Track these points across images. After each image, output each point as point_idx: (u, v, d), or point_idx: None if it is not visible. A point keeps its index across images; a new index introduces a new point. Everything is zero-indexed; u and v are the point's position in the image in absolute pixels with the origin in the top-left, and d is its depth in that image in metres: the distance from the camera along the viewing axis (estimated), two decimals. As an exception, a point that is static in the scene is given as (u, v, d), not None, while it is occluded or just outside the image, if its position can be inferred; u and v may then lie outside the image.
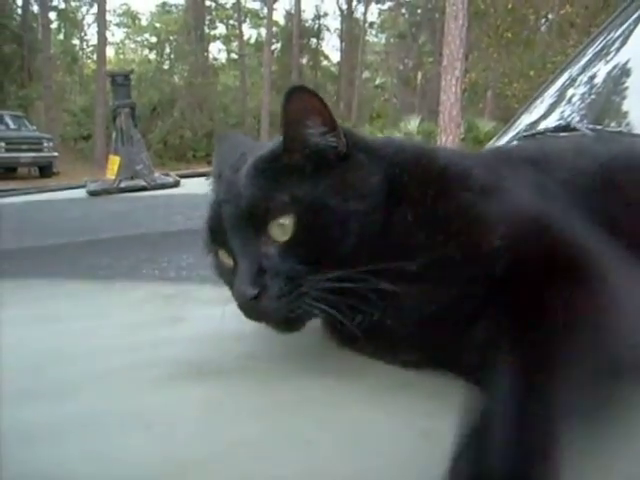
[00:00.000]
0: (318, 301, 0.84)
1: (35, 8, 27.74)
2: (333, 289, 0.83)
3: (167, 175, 3.10)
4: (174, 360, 0.98)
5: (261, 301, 0.84)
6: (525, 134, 2.50)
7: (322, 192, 0.85)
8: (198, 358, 0.98)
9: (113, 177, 2.95)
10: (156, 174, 3.05)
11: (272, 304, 0.84)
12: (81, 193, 2.85)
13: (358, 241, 0.85)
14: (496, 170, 0.97)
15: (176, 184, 2.89)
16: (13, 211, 2.37)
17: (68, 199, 2.78)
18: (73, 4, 31.52)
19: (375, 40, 38.26)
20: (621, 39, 2.72)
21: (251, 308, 0.86)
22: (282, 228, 0.85)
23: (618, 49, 2.70)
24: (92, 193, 2.79)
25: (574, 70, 2.83)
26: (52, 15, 29.96)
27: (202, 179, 3.16)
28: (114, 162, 3.01)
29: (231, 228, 0.88)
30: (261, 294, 0.84)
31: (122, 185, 2.86)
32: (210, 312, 1.23)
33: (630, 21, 2.71)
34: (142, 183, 2.87)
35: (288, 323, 0.89)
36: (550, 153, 1.10)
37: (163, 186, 2.86)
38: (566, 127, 2.27)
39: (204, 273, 1.46)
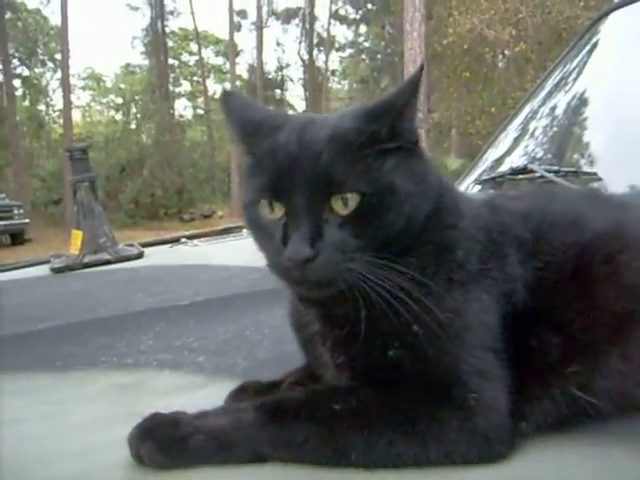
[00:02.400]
0: (357, 279, 0.89)
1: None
2: (372, 273, 0.88)
3: (131, 246, 3.07)
4: (128, 465, 0.95)
5: (312, 264, 0.87)
6: (486, 178, 2.53)
7: (391, 172, 0.91)
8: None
9: (77, 252, 2.91)
10: (120, 246, 3.03)
11: (322, 270, 0.88)
12: (45, 270, 2.82)
13: (405, 227, 0.92)
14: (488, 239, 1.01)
15: (140, 255, 2.87)
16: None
17: (32, 278, 2.74)
18: (37, 70, 31.60)
19: (338, 87, 38.80)
20: (576, 71, 2.77)
21: (297, 267, 0.88)
22: (348, 201, 0.89)
23: (574, 80, 2.75)
24: (56, 270, 2.76)
25: (534, 104, 2.88)
26: (16, 82, 30.01)
27: (166, 247, 3.17)
28: (77, 237, 2.98)
29: (300, 184, 0.89)
30: (315, 257, 0.87)
31: (86, 260, 2.83)
32: (167, 404, 1.20)
33: (583, 53, 2.77)
34: (106, 257, 2.84)
35: (324, 288, 0.92)
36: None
37: (127, 258, 2.83)
38: (524, 169, 2.30)
39: (162, 357, 1.45)
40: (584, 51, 2.82)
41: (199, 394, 1.24)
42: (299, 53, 34.99)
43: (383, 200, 0.89)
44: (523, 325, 0.95)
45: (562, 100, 2.78)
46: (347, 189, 0.88)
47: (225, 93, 1.05)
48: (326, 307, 0.98)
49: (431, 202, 0.95)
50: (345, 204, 0.89)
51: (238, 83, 29.35)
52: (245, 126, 1.00)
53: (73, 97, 29.81)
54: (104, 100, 36.96)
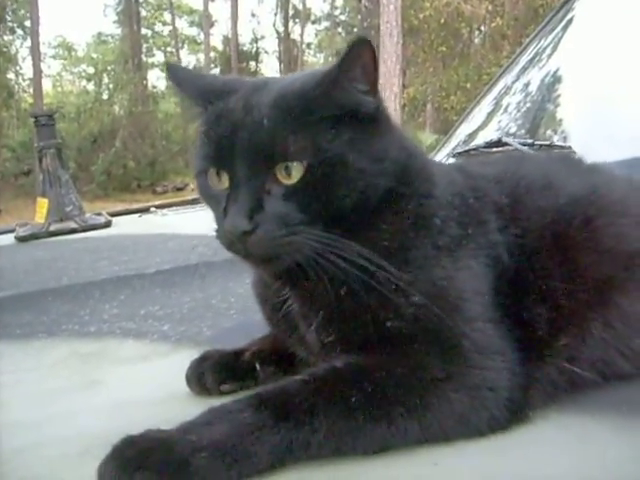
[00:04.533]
0: (303, 254, 0.84)
1: (-34, 44, 27.25)
2: (321, 247, 0.83)
3: (99, 215, 3.02)
4: (86, 434, 0.91)
5: (251, 237, 0.83)
6: (460, 150, 2.52)
7: (343, 145, 0.85)
8: (110, 430, 0.91)
9: (42, 221, 2.85)
10: (87, 214, 2.97)
11: (261, 244, 0.83)
12: (10, 239, 2.76)
13: (358, 203, 0.86)
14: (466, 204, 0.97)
15: (107, 224, 2.81)
16: None
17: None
18: (6, 38, 30.96)
19: (314, 60, 38.54)
20: (551, 46, 2.76)
21: (238, 240, 0.84)
22: (292, 170, 0.84)
23: (549, 56, 2.74)
24: (20, 239, 2.70)
25: (508, 78, 2.87)
26: (-16, 50, 29.43)
27: (135, 216, 3.12)
28: (42, 205, 2.92)
29: (241, 153, 0.84)
30: (254, 231, 0.82)
31: (51, 228, 2.77)
32: (129, 373, 1.18)
33: (558, 29, 2.76)
34: (72, 225, 2.79)
35: (269, 263, 0.88)
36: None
37: (94, 227, 2.78)
38: (498, 142, 2.29)
39: (127, 325, 1.41)
40: (559, 27, 2.81)
41: (163, 362, 1.22)
42: (274, 25, 34.68)
43: (331, 173, 0.84)
44: (510, 295, 0.92)
45: (536, 75, 2.77)
46: (290, 158, 0.83)
47: (170, 66, 1.00)
48: (303, 283, 0.91)
49: (390, 179, 0.89)
50: (289, 173, 0.83)
51: (212, 54, 29.01)
52: (196, 94, 0.96)
53: (43, 66, 29.31)
54: (75, 70, 36.35)
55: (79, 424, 0.97)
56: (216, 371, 1.03)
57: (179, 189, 26.02)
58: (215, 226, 0.90)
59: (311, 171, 0.83)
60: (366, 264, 0.83)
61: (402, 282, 0.85)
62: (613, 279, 0.95)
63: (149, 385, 1.11)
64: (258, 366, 1.04)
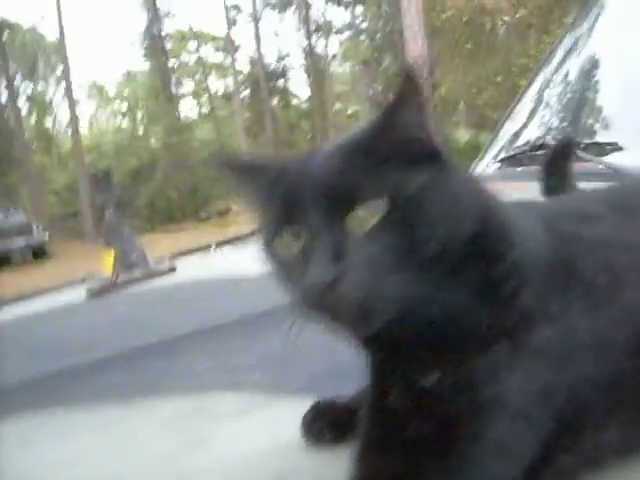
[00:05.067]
0: (400, 304, 0.76)
1: (3, 98, 27.97)
2: (420, 295, 0.76)
3: (162, 260, 3.10)
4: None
5: (339, 287, 0.73)
6: (505, 156, 2.53)
7: (418, 184, 0.77)
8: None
9: (109, 273, 2.95)
10: (150, 262, 3.05)
11: (353, 292, 0.74)
12: (80, 294, 2.84)
13: (441, 247, 0.77)
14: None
15: (172, 269, 2.89)
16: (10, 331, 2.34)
17: (68, 304, 2.75)
18: (39, 87, 31.75)
19: (340, 70, 38.62)
20: (587, 35, 2.75)
21: (324, 295, 0.74)
22: (368, 214, 0.76)
23: (585, 45, 2.73)
24: (92, 293, 2.79)
25: (547, 72, 2.86)
26: (21, 101, 30.21)
27: (196, 258, 3.18)
28: (109, 257, 3.01)
29: (313, 201, 0.78)
30: (341, 277, 0.73)
31: (119, 280, 2.86)
32: (233, 428, 1.23)
33: (593, 15, 2.75)
34: (139, 275, 2.87)
35: (364, 319, 0.76)
36: None
37: (160, 274, 2.86)
38: (542, 145, 2.29)
39: (223, 378, 1.47)
40: (594, 12, 2.79)
41: (264, 415, 1.25)
42: (298, 41, 34.89)
43: (409, 213, 0.76)
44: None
45: (575, 65, 2.76)
46: (368, 199, 0.76)
47: (221, 161, 0.95)
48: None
49: (470, 225, 0.79)
50: (367, 217, 0.76)
51: (240, 77, 29.28)
52: (247, 163, 0.93)
53: (78, 109, 29.92)
54: (109, 109, 37.11)
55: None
56: (334, 429, 1.06)
57: (222, 213, 26.29)
58: (294, 294, 0.84)
59: (390, 213, 0.76)
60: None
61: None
62: None
63: (255, 439, 1.15)
64: None
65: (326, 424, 1.07)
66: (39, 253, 19.55)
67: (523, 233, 0.85)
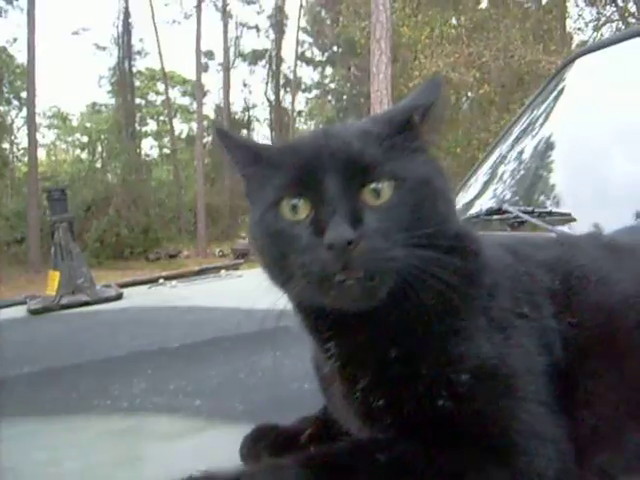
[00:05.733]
0: (408, 268, 0.83)
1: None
2: (423, 264, 0.83)
3: (108, 287, 3.04)
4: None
5: (356, 248, 0.80)
6: (462, 218, 2.57)
7: (426, 167, 0.90)
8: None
9: (54, 293, 2.87)
10: (97, 286, 2.99)
11: (368, 255, 0.81)
12: (21, 311, 2.77)
13: (442, 223, 0.88)
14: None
15: (119, 297, 2.83)
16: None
17: (9, 320, 2.69)
18: (2, 108, 31.35)
19: (304, 127, 39.13)
20: (544, 116, 2.85)
21: (341, 254, 0.80)
22: (381, 190, 0.85)
23: (541, 125, 2.83)
24: (33, 312, 2.71)
25: (503, 148, 2.95)
26: (-20, 121, 29.78)
27: (144, 288, 3.14)
28: (54, 278, 2.94)
29: (333, 171, 0.85)
30: (358, 240, 0.81)
31: (63, 301, 2.78)
32: (168, 449, 1.21)
33: (550, 99, 2.86)
34: (84, 298, 2.80)
35: (371, 285, 0.83)
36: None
37: (106, 300, 2.80)
38: (498, 210, 2.35)
39: (158, 401, 1.44)
40: (551, 96, 2.91)
41: (200, 438, 1.24)
42: (266, 94, 35.34)
43: (417, 191, 0.86)
44: (560, 388, 0.90)
45: (530, 144, 2.86)
46: (381, 177, 0.85)
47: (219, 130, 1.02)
48: (352, 337, 0.91)
49: (456, 219, 0.95)
50: (378, 194, 0.85)
51: (205, 123, 29.38)
52: (249, 145, 0.99)
53: (38, 135, 29.60)
54: (70, 139, 36.79)
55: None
56: (273, 452, 1.04)
57: (172, 256, 26.06)
58: (285, 267, 0.88)
59: (400, 190, 0.86)
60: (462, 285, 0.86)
61: (453, 355, 0.85)
62: None
63: (190, 461, 1.12)
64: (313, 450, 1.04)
65: (265, 447, 1.06)
66: (-21, 277, 19.02)
67: (489, 245, 1.00)
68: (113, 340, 1.99)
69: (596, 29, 18.52)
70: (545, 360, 0.90)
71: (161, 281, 3.23)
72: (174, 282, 3.14)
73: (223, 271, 3.34)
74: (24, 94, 27.14)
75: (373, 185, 0.85)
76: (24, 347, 2.08)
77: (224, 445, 1.10)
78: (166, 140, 36.10)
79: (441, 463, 0.82)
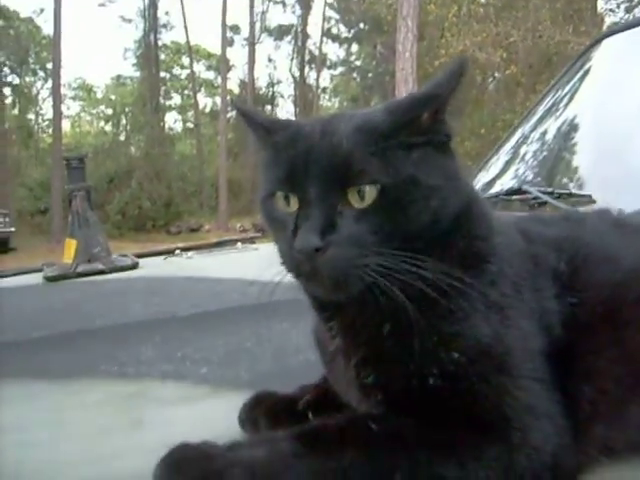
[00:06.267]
0: (378, 274, 0.82)
1: (-12, 85, 27.78)
2: (396, 268, 0.82)
3: (125, 256, 3.06)
4: (136, 475, 0.94)
5: (322, 256, 0.81)
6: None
7: (415, 164, 0.86)
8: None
9: (70, 261, 2.90)
10: (114, 256, 3.01)
11: (333, 263, 0.82)
12: (37, 278, 2.80)
13: (429, 225, 0.86)
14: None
15: (134, 266, 2.85)
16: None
17: (25, 286, 2.72)
18: (27, 79, 31.54)
19: (328, 104, 38.94)
20: (568, 96, 2.81)
21: (308, 260, 0.82)
22: (365, 194, 0.84)
23: (566, 106, 2.79)
24: (49, 279, 2.74)
25: (526, 128, 2.91)
26: (6, 90, 29.97)
27: (160, 259, 3.16)
28: (70, 245, 2.96)
29: (315, 173, 0.84)
30: (326, 249, 0.81)
31: (79, 269, 2.81)
32: (172, 414, 1.21)
33: (575, 79, 2.81)
34: (100, 266, 2.82)
35: (340, 286, 0.84)
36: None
37: (121, 269, 2.82)
38: (518, 190, 2.32)
39: (165, 368, 1.44)
40: (576, 77, 2.86)
41: (205, 404, 1.24)
42: (290, 70, 35.22)
43: (404, 193, 0.84)
44: (559, 367, 0.89)
45: (554, 125, 2.82)
46: (364, 180, 0.83)
47: (237, 104, 1.04)
48: (348, 315, 0.91)
49: (462, 201, 0.90)
50: (362, 197, 0.83)
51: (229, 97, 29.34)
52: (266, 121, 0.97)
53: (63, 107, 29.77)
54: (94, 111, 36.98)
55: (127, 465, 1.00)
56: (271, 417, 1.04)
57: (193, 230, 26.17)
58: (280, 250, 0.90)
59: (385, 193, 0.83)
60: (442, 279, 0.83)
61: (446, 334, 0.84)
62: None
63: (194, 426, 1.13)
64: (311, 416, 1.03)
65: (262, 413, 1.06)
66: (2, 246, 19.16)
67: (501, 224, 0.98)
68: (125, 308, 2.00)
69: (628, 10, 18.22)
70: (544, 340, 0.89)
71: (177, 252, 3.24)
72: (190, 253, 3.15)
73: (239, 244, 3.35)
74: (50, 65, 27.28)
75: (357, 188, 0.84)
76: (38, 313, 2.10)
77: (227, 412, 1.09)
78: (190, 114, 36.17)
79: (433, 438, 0.81)
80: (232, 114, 30.59)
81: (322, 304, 0.96)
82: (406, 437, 0.82)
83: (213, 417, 1.16)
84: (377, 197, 0.83)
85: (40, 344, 1.70)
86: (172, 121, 37.86)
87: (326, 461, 0.80)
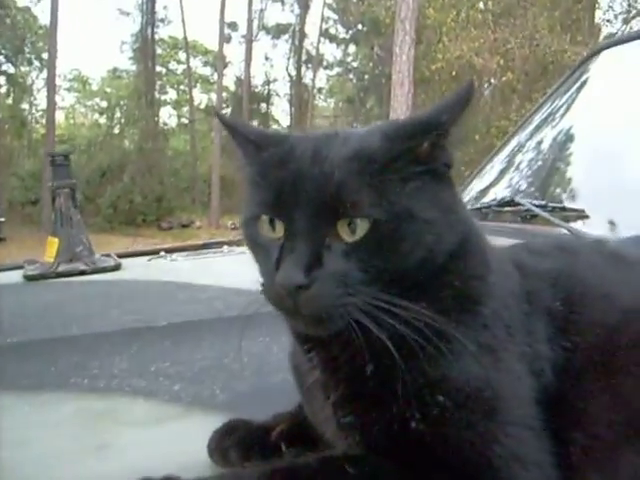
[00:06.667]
0: (364, 314, 0.77)
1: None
2: (382, 309, 0.77)
3: (108, 256, 2.99)
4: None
5: (305, 293, 0.76)
6: (471, 208, 2.50)
7: (410, 197, 0.80)
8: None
9: (51, 260, 2.83)
10: (96, 256, 2.94)
11: (315, 302, 0.77)
12: (18, 276, 2.73)
13: (423, 262, 0.80)
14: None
15: (117, 267, 2.78)
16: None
17: (3, 285, 2.65)
18: (23, 69, 31.34)
19: (324, 105, 38.94)
20: (565, 107, 2.78)
21: (289, 295, 0.77)
22: (356, 227, 0.78)
23: (562, 116, 2.76)
24: (28, 278, 2.67)
25: (522, 137, 2.89)
26: (1, 79, 29.80)
27: (144, 260, 3.09)
28: (52, 244, 2.89)
29: (304, 203, 0.78)
30: (309, 287, 0.76)
31: (60, 269, 2.74)
32: (140, 437, 1.15)
33: (573, 90, 2.78)
34: (81, 267, 2.75)
35: (321, 323, 0.80)
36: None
37: (103, 270, 2.75)
38: (510, 201, 2.29)
39: (137, 383, 1.38)
40: (574, 87, 2.83)
41: (175, 426, 1.18)
42: (287, 69, 35.14)
43: (398, 228, 0.78)
44: (550, 413, 0.84)
45: (549, 135, 2.79)
46: (356, 214, 0.77)
47: (220, 115, 0.97)
48: (330, 350, 0.86)
49: (458, 236, 0.84)
50: (352, 230, 0.78)
51: (224, 94, 29.28)
52: (254, 134, 0.91)
53: (57, 98, 29.57)
54: (89, 103, 36.79)
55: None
56: (242, 448, 1.00)
57: (184, 225, 26.13)
58: (261, 278, 0.85)
59: (377, 227, 0.78)
60: (423, 329, 0.78)
61: (432, 377, 0.79)
62: None
63: (160, 451, 1.07)
64: (284, 448, 0.99)
65: (233, 443, 1.01)
66: (-11, 235, 19.08)
67: (497, 259, 0.93)
68: (104, 314, 1.94)
69: (626, 22, 18.27)
70: (535, 385, 0.85)
71: (162, 253, 3.17)
72: (174, 255, 3.08)
73: (226, 247, 3.28)
74: (45, 55, 27.10)
75: (347, 220, 0.78)
76: (13, 316, 2.03)
77: (197, 436, 1.04)
78: (185, 110, 36.02)
79: None
80: (228, 111, 30.57)
81: (302, 335, 0.90)
82: None
83: (182, 441, 1.10)
84: (368, 231, 0.78)
85: (12, 351, 1.64)
86: (167, 116, 37.68)
87: None
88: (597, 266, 1.01)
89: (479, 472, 0.77)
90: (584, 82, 2.84)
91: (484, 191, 2.78)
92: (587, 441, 0.84)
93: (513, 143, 2.95)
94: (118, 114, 33.98)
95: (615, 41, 2.96)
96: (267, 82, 36.23)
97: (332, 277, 0.77)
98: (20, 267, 2.89)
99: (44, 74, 28.91)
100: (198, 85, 36.41)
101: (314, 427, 0.97)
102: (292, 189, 0.80)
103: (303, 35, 34.01)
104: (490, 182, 2.86)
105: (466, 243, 0.86)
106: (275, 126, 36.74)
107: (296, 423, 1.03)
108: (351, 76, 35.03)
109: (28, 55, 30.66)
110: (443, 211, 0.82)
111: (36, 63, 31.26)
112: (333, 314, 0.78)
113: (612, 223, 1.91)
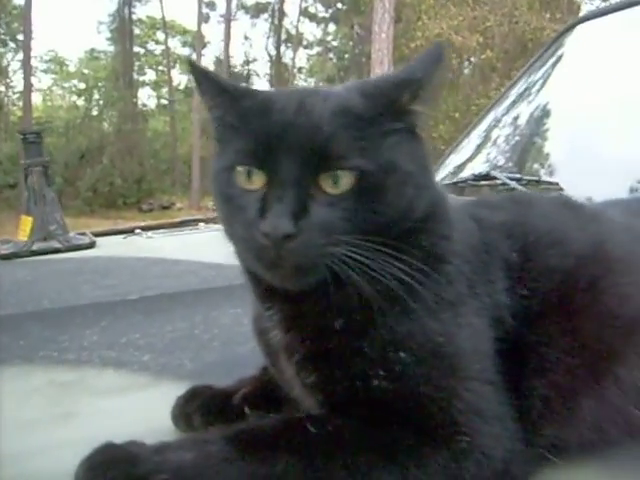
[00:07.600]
0: (346, 265, 0.77)
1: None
2: (363, 261, 0.77)
3: (83, 234, 2.98)
4: (61, 471, 0.88)
5: (292, 242, 0.76)
6: (448, 182, 2.52)
7: (393, 149, 0.81)
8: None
9: (25, 239, 2.81)
10: (71, 234, 2.93)
11: (301, 251, 0.76)
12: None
13: (401, 215, 0.81)
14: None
15: (91, 245, 2.78)
16: None
17: (-25, 263, 2.63)
18: (-4, 51, 30.89)
19: (304, 84, 38.75)
20: (540, 82, 2.79)
21: (275, 245, 0.76)
22: (341, 180, 0.78)
23: (538, 91, 2.77)
24: (3, 257, 2.66)
25: (498, 112, 2.90)
26: (-25, 62, 29.38)
27: (120, 238, 3.08)
28: (26, 223, 2.88)
29: (291, 153, 0.78)
30: (297, 235, 0.76)
31: (34, 247, 2.73)
32: (107, 406, 1.15)
33: (548, 65, 2.79)
34: (56, 245, 2.75)
35: (302, 274, 0.80)
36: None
37: (77, 247, 2.74)
38: (486, 176, 2.30)
39: (106, 354, 1.38)
40: (549, 62, 2.84)
41: (143, 395, 1.19)
42: (267, 48, 34.88)
43: (382, 180, 0.79)
44: (510, 362, 0.85)
45: (525, 110, 2.80)
46: (344, 166, 0.78)
47: (194, 64, 0.93)
48: (296, 308, 0.86)
49: (431, 193, 0.86)
50: (336, 182, 0.78)
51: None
52: (230, 85, 0.89)
53: (34, 80, 29.30)
54: (66, 85, 36.29)
55: (54, 459, 0.94)
56: (204, 412, 1.00)
57: (165, 207, 25.98)
58: (234, 232, 0.84)
59: (363, 179, 0.78)
60: (397, 284, 0.78)
61: (398, 333, 0.80)
62: (613, 348, 0.89)
63: (127, 419, 1.08)
64: (247, 410, 0.99)
65: (196, 409, 1.01)
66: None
67: (458, 217, 0.94)
68: (76, 289, 1.94)
69: (604, -1, 18.29)
70: (496, 336, 0.86)
71: (138, 231, 3.16)
72: (150, 233, 3.08)
73: (202, 224, 3.28)
74: (21, 37, 26.71)
75: (332, 173, 0.78)
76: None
77: (163, 404, 1.04)
78: (164, 90, 35.67)
79: (375, 443, 0.77)
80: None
81: (267, 293, 0.89)
82: (346, 441, 0.77)
83: (148, 409, 1.10)
84: (354, 183, 0.78)
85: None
86: (146, 97, 37.38)
87: (259, 466, 0.75)
88: (551, 215, 1.03)
89: (440, 427, 0.78)
90: (559, 57, 2.86)
91: (461, 166, 2.79)
92: (546, 391, 0.85)
93: (490, 118, 2.96)
94: (96, 96, 33.56)
95: (588, 16, 2.97)
96: (247, 62, 36.00)
97: (318, 226, 0.77)
98: (-7, 246, 2.88)
99: (20, 56, 28.53)
100: (177, 66, 35.98)
101: (278, 389, 0.97)
102: (277, 139, 0.79)
103: (282, 14, 33.77)
104: (467, 157, 2.87)
105: (434, 205, 0.88)
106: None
107: (259, 386, 1.04)
108: (331, 55, 34.88)
109: (3, 36, 30.20)
110: (419, 166, 0.84)
111: (11, 44, 30.76)
112: (317, 264, 0.78)
113: (586, 196, 1.93)
